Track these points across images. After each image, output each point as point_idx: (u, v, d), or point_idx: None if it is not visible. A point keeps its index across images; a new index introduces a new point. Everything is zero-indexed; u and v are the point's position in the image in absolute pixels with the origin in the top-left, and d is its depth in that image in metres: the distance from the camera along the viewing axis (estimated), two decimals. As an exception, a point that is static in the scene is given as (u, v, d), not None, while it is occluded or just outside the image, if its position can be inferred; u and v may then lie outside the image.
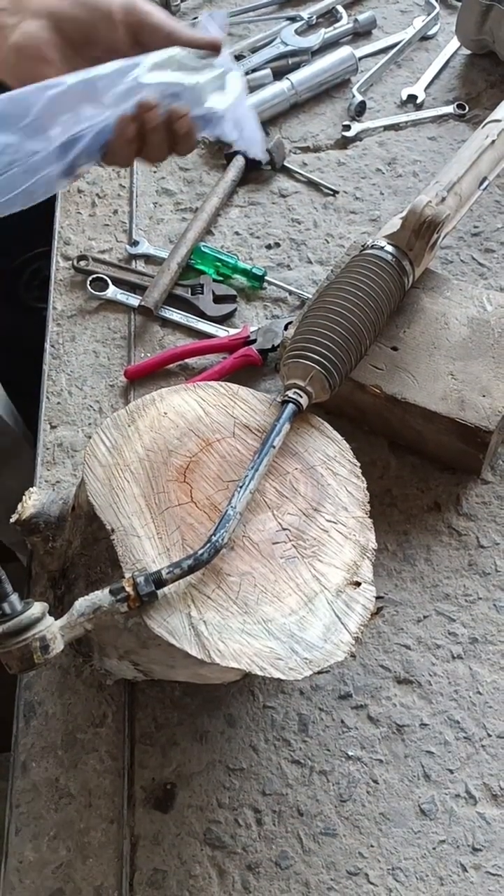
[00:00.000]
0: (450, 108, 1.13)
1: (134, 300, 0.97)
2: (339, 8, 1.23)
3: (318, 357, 0.71)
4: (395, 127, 1.12)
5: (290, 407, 0.68)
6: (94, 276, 0.99)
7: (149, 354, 0.94)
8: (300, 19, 1.20)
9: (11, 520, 0.72)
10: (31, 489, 0.73)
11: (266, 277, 0.97)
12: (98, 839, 0.67)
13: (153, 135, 0.66)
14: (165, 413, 0.69)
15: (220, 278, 0.99)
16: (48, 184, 0.62)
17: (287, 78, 1.13)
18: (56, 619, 0.57)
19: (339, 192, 1.06)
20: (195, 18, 1.25)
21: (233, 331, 0.94)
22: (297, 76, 1.13)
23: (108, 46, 0.66)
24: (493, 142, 0.90)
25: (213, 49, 0.69)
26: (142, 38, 0.66)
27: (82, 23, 0.66)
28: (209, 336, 0.95)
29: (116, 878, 0.66)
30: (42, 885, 0.66)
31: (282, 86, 1.12)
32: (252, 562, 0.61)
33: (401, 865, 0.65)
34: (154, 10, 0.67)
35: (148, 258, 1.02)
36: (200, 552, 0.58)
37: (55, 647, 0.56)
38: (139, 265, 1.01)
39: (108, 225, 1.05)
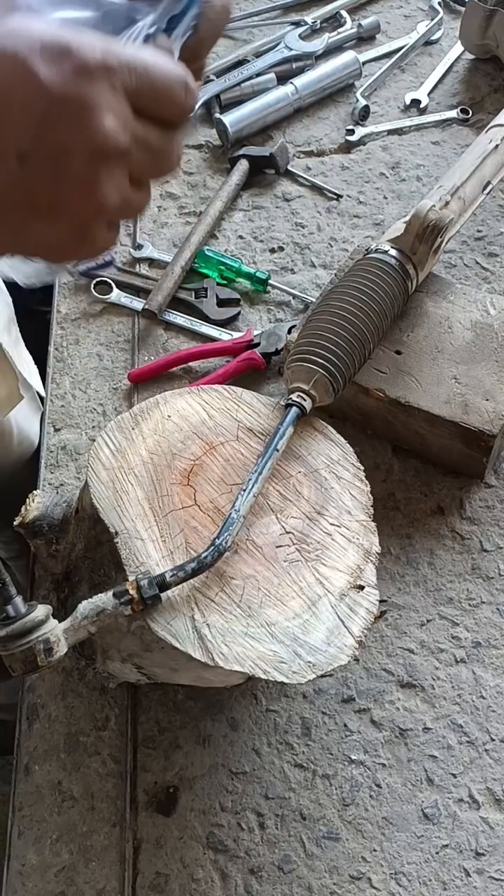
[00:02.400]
0: (453, 113, 1.13)
1: (138, 304, 0.97)
2: (343, 13, 1.24)
3: (321, 361, 0.71)
4: (398, 131, 1.13)
5: (294, 410, 0.68)
6: (98, 279, 0.99)
7: (152, 358, 0.94)
8: (304, 24, 1.20)
9: (15, 523, 0.72)
10: (34, 492, 0.74)
11: (270, 281, 0.97)
12: (100, 842, 0.67)
13: None
14: (169, 416, 0.69)
15: (224, 282, 0.99)
16: None
17: (291, 82, 1.13)
18: (59, 622, 0.57)
19: (343, 196, 1.06)
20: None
21: (236, 334, 0.94)
22: (300, 81, 1.13)
23: None
24: (497, 146, 0.90)
25: None
26: None
27: None
28: (213, 339, 0.95)
29: (119, 881, 0.66)
30: (44, 889, 0.66)
31: (285, 90, 1.12)
32: (255, 565, 0.61)
33: (404, 870, 0.65)
34: None
35: (152, 262, 1.02)
36: (204, 555, 0.58)
37: (59, 650, 0.56)
38: (143, 269, 1.01)
39: (112, 228, 1.06)
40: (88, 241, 0.43)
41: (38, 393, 0.98)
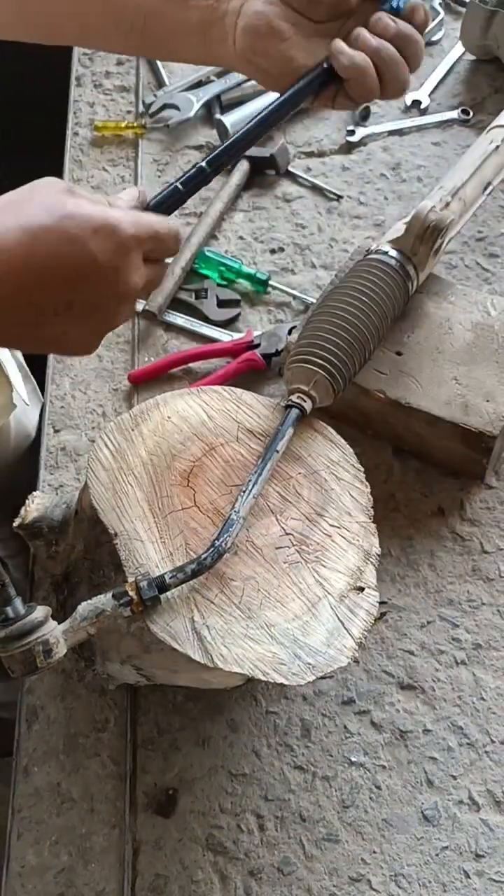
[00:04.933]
0: (454, 114, 1.13)
1: (138, 304, 0.97)
2: (344, 13, 1.23)
3: (322, 362, 0.71)
4: (399, 132, 1.13)
5: (294, 411, 0.68)
6: (99, 280, 0.99)
7: (152, 359, 0.94)
8: (305, 25, 1.20)
9: (14, 524, 0.72)
10: (34, 493, 0.74)
11: (270, 282, 0.97)
12: (100, 844, 0.67)
13: None
14: (169, 417, 0.69)
15: (224, 283, 0.99)
16: None
17: (292, 83, 1.13)
18: (59, 624, 0.57)
19: (344, 197, 1.06)
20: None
21: (237, 335, 0.94)
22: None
23: (332, 1, 0.67)
24: (498, 147, 0.90)
25: None
26: None
27: None
28: (213, 340, 0.95)
29: (118, 883, 0.66)
30: (44, 891, 0.66)
31: (286, 91, 1.12)
32: (255, 566, 0.61)
33: (403, 872, 0.65)
34: None
35: (152, 262, 1.02)
36: (204, 557, 0.58)
37: (58, 652, 0.56)
38: (143, 269, 1.01)
39: (112, 229, 1.05)
40: (99, 341, 0.59)
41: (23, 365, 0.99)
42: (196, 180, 0.63)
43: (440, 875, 0.65)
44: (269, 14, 0.66)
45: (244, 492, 0.62)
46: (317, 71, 0.67)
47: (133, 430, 0.67)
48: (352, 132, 1.11)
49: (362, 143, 1.11)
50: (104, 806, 0.69)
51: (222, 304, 0.97)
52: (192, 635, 0.56)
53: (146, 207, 0.61)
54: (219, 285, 0.98)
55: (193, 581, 0.58)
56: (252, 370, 0.90)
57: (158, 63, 1.20)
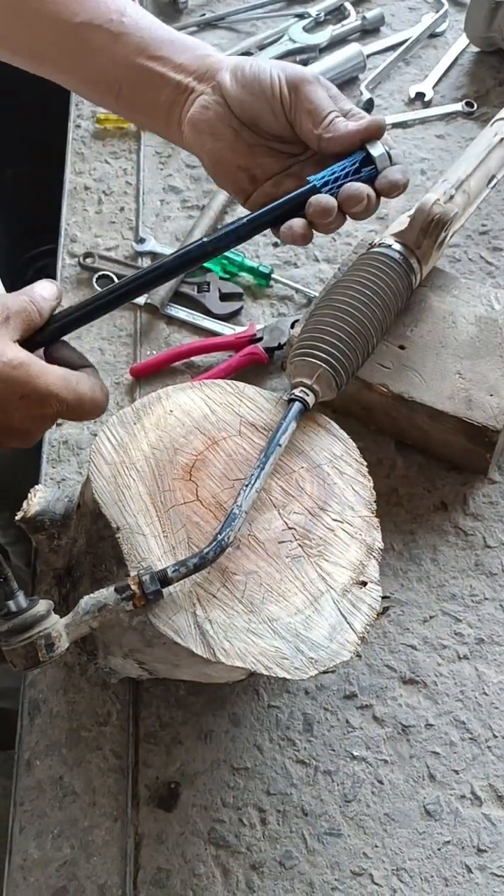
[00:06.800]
0: (458, 106, 1.12)
1: (140, 298, 0.97)
2: (348, 5, 1.23)
3: (324, 355, 0.71)
4: (402, 125, 1.12)
5: (297, 405, 0.68)
6: (101, 273, 0.99)
7: (155, 352, 0.94)
8: (308, 16, 1.20)
9: (17, 517, 0.72)
10: (36, 487, 0.73)
11: (273, 275, 0.97)
12: (102, 837, 0.67)
13: None
14: (171, 411, 0.68)
15: (227, 276, 0.98)
16: None
17: (295, 75, 1.12)
18: (61, 618, 0.57)
19: (347, 190, 1.06)
20: (202, 15, 1.25)
21: (239, 329, 0.94)
22: (304, 73, 1.12)
23: (272, 131, 0.68)
24: (502, 139, 0.90)
25: (376, 135, 0.68)
26: (299, 124, 0.67)
27: (248, 107, 0.67)
28: (215, 334, 0.94)
29: (120, 876, 0.66)
30: (46, 883, 0.66)
31: (289, 83, 1.12)
32: (258, 561, 0.61)
33: (405, 866, 0.65)
34: (316, 95, 0.66)
35: (154, 256, 1.02)
36: (206, 551, 0.57)
37: (60, 646, 0.55)
38: (146, 263, 1.01)
39: (114, 222, 1.05)
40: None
41: None
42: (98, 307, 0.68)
43: (442, 870, 0.65)
44: (210, 111, 0.68)
45: (247, 486, 0.62)
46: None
47: (135, 423, 0.67)
48: (355, 125, 1.10)
49: (365, 135, 1.11)
50: (106, 799, 0.69)
51: (224, 297, 0.97)
52: (195, 629, 0.56)
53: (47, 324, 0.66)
54: (221, 279, 0.98)
55: (196, 575, 0.58)
56: (254, 364, 0.90)
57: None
